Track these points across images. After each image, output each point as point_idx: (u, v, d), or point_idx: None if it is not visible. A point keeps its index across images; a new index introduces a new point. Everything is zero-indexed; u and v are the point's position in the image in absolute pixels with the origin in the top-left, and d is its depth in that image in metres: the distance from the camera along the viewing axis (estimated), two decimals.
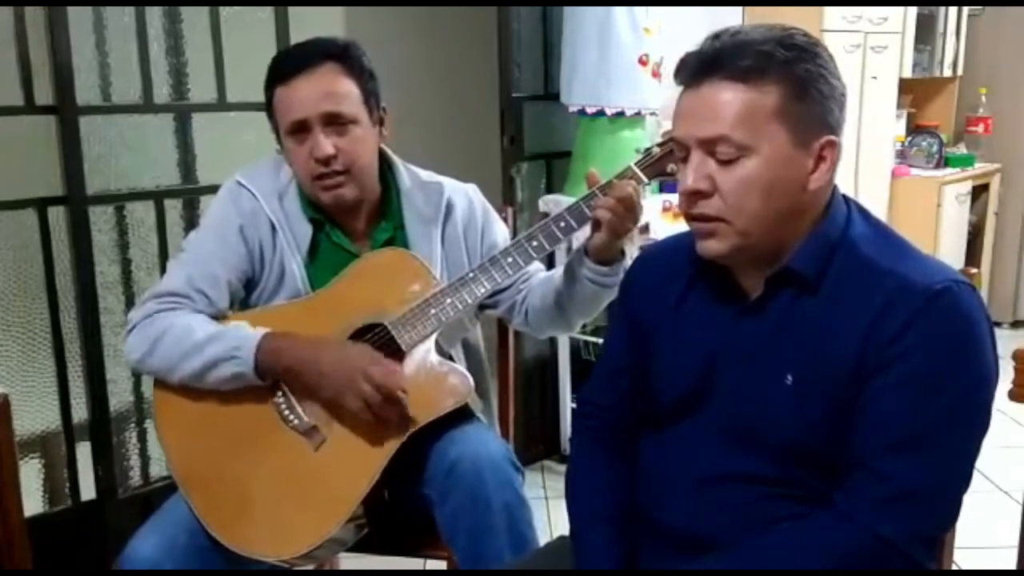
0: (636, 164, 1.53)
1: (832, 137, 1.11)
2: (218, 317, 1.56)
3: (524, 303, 1.68)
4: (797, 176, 1.10)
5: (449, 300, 1.53)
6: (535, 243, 1.54)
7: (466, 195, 1.70)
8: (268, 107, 1.59)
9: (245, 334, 1.49)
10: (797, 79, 1.07)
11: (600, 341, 1.46)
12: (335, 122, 1.54)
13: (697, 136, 1.10)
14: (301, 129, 1.53)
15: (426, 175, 1.70)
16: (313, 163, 1.54)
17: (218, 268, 1.56)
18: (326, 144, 1.53)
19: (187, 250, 1.61)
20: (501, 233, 1.72)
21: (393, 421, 1.47)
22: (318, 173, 1.54)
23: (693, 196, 1.12)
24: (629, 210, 1.47)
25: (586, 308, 1.60)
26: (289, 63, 1.56)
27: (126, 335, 1.55)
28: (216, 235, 1.59)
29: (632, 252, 1.55)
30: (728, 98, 1.07)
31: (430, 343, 1.53)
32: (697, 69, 1.10)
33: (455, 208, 1.67)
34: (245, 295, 1.62)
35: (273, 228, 1.59)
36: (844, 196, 1.19)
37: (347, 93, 1.55)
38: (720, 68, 1.08)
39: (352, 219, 1.64)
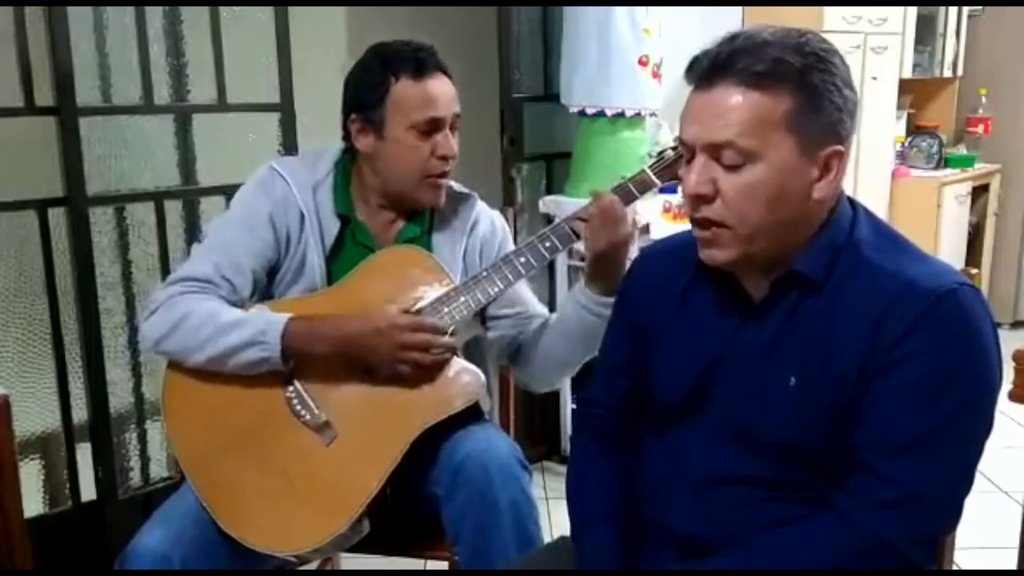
0: (650, 167, 1.54)
1: (839, 147, 1.09)
2: (239, 305, 1.56)
3: (517, 340, 1.67)
4: (801, 185, 1.09)
5: (463, 299, 1.54)
6: (548, 244, 1.55)
7: (492, 219, 1.73)
8: (374, 94, 1.56)
9: (270, 319, 1.49)
10: (811, 89, 1.06)
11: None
12: (455, 125, 1.60)
13: (704, 140, 1.09)
14: (433, 127, 1.56)
15: (458, 186, 1.72)
16: (435, 161, 1.57)
17: (244, 256, 1.57)
18: (454, 144, 1.58)
19: (215, 234, 1.61)
20: None
21: (419, 406, 1.49)
22: (439, 171, 1.58)
23: (696, 200, 1.11)
24: (605, 223, 1.48)
25: (577, 343, 1.59)
26: (422, 60, 1.56)
27: (147, 316, 1.54)
28: (244, 222, 1.59)
29: (632, 252, 1.56)
30: (738, 103, 1.06)
31: None
32: (710, 69, 1.08)
33: (479, 225, 1.69)
34: (267, 282, 1.62)
35: (302, 218, 1.60)
36: (850, 198, 1.18)
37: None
38: (733, 71, 1.06)
39: (383, 219, 1.65)
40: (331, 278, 1.61)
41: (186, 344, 1.50)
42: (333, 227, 1.62)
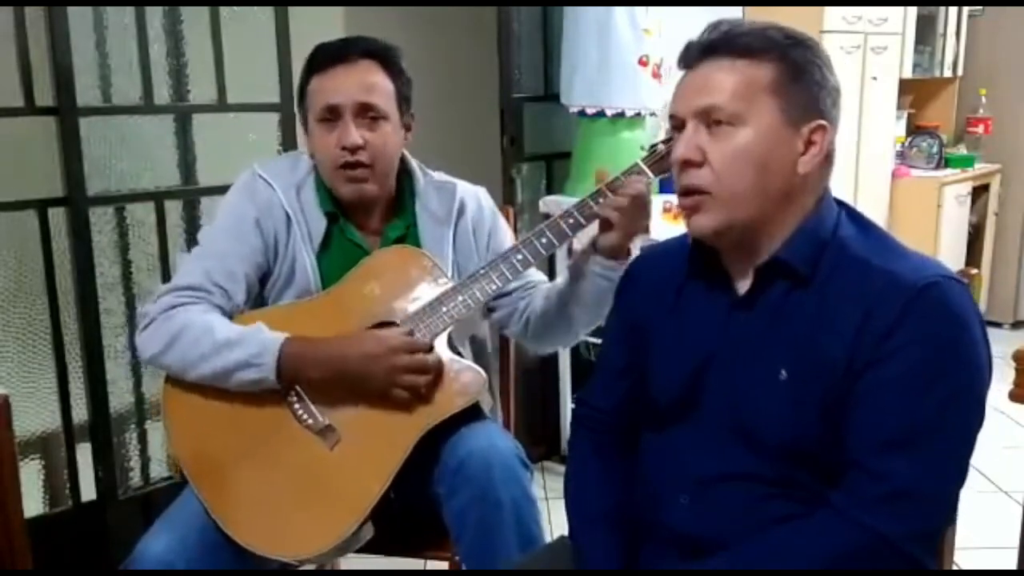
0: (643, 161, 1.55)
1: (823, 122, 1.12)
2: (234, 312, 1.56)
3: (526, 311, 1.68)
4: (786, 155, 1.11)
5: (461, 297, 1.53)
6: (544, 240, 1.54)
7: (477, 197, 1.72)
8: (300, 96, 1.62)
9: (266, 340, 1.48)
10: (793, 61, 1.11)
11: (600, 341, 1.46)
12: (367, 114, 1.56)
13: (692, 107, 1.13)
14: (333, 115, 1.55)
15: (439, 176, 1.72)
16: (339, 151, 1.55)
17: (235, 262, 1.57)
18: (355, 133, 1.54)
19: (204, 243, 1.61)
20: (507, 238, 1.73)
21: (420, 408, 1.49)
22: (343, 162, 1.55)
23: (684, 166, 1.14)
24: (640, 207, 1.50)
25: (593, 308, 1.59)
26: (330, 53, 1.58)
27: (141, 329, 1.53)
28: (233, 228, 1.59)
29: (632, 252, 1.56)
30: (726, 72, 1.11)
31: (443, 340, 1.53)
32: (700, 51, 1.14)
33: (466, 209, 1.69)
34: (259, 288, 1.62)
35: (288, 219, 1.60)
36: (836, 199, 1.19)
37: (383, 88, 1.58)
38: (721, 47, 1.12)
39: (366, 215, 1.65)
40: (323, 276, 1.60)
41: (183, 360, 1.49)
42: (320, 225, 1.61)
